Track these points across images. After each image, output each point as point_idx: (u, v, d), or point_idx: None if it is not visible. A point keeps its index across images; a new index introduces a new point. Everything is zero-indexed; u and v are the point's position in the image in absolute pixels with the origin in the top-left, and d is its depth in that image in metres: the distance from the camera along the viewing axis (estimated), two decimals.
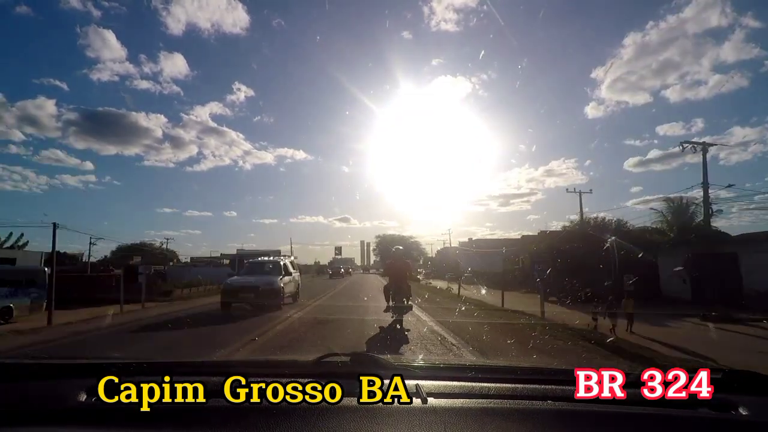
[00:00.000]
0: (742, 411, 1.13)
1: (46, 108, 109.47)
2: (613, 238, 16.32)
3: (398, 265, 9.91)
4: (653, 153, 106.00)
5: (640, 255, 15.29)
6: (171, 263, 40.70)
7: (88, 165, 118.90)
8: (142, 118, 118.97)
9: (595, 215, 26.53)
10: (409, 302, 9.46)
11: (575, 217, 28.55)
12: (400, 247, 12.00)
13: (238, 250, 55.52)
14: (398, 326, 8.90)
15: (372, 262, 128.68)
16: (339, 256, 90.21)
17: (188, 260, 51.86)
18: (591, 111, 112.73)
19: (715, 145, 26.69)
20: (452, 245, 65.38)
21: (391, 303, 9.10)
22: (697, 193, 22.06)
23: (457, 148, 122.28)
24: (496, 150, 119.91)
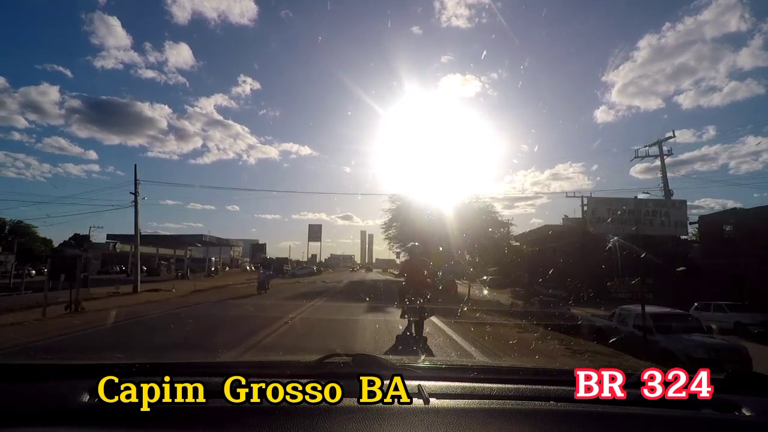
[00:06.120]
0: (746, 412, 1.13)
1: (50, 94, 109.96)
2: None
3: (416, 263, 8.90)
4: None
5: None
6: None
7: (92, 154, 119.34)
8: (146, 108, 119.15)
9: None
10: (428, 305, 8.48)
11: None
12: (416, 243, 10.40)
13: (204, 236, 49.44)
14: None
15: (375, 260, 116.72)
16: (313, 245, 64.74)
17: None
18: (601, 115, 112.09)
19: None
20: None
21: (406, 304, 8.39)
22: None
23: (463, 148, 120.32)
24: (503, 151, 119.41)
